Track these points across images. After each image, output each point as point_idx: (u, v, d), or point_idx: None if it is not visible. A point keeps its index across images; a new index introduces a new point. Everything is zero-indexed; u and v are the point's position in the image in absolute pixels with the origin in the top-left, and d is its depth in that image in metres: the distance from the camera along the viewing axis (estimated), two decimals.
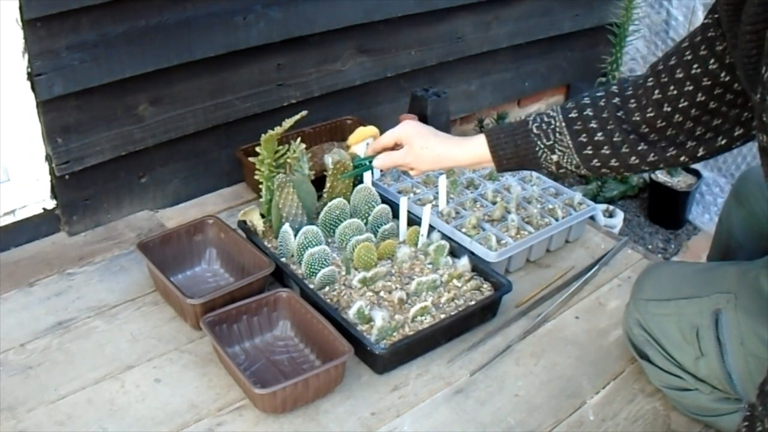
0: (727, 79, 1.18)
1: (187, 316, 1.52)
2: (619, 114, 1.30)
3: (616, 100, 1.31)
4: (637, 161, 1.30)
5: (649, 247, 2.66)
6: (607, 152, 1.31)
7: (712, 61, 1.19)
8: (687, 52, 1.23)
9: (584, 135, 1.32)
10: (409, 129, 1.51)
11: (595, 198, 2.67)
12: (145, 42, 1.72)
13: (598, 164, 1.33)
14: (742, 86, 1.12)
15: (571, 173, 1.39)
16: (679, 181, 2.73)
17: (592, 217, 1.92)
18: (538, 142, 1.36)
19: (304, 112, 1.68)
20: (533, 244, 1.74)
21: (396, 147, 1.54)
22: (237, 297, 1.49)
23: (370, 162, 1.58)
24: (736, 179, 1.56)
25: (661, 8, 2.80)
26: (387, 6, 2.11)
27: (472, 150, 1.44)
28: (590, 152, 1.33)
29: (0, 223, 1.73)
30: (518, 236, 1.72)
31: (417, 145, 1.48)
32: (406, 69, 2.29)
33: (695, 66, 1.21)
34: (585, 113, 1.33)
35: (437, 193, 1.83)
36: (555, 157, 1.36)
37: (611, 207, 2.67)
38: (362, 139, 1.79)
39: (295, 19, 1.95)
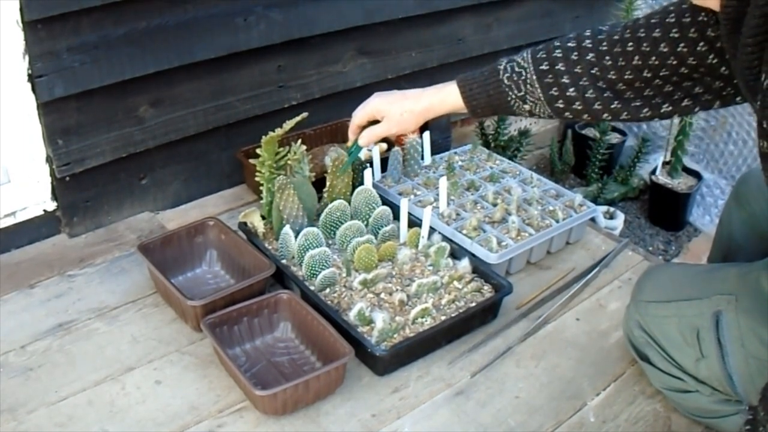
0: (715, 61, 1.20)
1: (188, 317, 1.52)
2: (593, 71, 1.31)
3: (590, 56, 1.31)
4: (608, 116, 1.32)
5: (650, 248, 2.66)
6: (579, 107, 1.33)
7: (701, 44, 1.20)
8: (674, 30, 1.23)
9: (555, 88, 1.34)
10: (378, 102, 1.54)
11: (595, 200, 2.67)
12: (146, 43, 1.72)
13: (570, 116, 1.36)
14: (743, 93, 1.12)
15: (544, 118, 1.41)
16: (680, 182, 2.73)
17: (592, 219, 1.92)
18: (510, 93, 1.38)
19: (304, 114, 1.68)
20: (534, 246, 1.74)
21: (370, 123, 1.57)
22: (238, 299, 1.49)
23: (357, 146, 1.61)
24: (736, 181, 1.56)
25: None
26: (388, 7, 2.11)
27: (448, 100, 1.47)
28: (561, 105, 1.35)
29: (0, 225, 1.74)
30: (519, 238, 1.72)
31: (395, 113, 1.51)
32: (407, 71, 2.29)
33: (682, 44, 1.22)
34: (557, 67, 1.34)
35: (438, 194, 1.83)
36: (527, 107, 1.39)
37: (612, 209, 2.67)
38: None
39: (296, 21, 1.95)
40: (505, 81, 1.38)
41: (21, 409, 1.35)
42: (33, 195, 1.76)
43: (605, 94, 1.30)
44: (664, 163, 2.78)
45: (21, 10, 1.53)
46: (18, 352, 1.48)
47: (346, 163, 1.71)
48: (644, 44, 1.26)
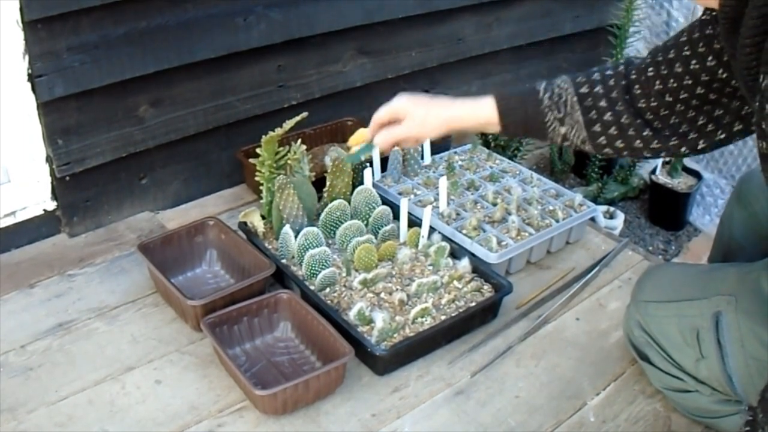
0: (725, 76, 1.20)
1: (188, 317, 1.52)
2: (626, 97, 1.31)
3: (624, 82, 1.32)
4: (641, 145, 1.31)
5: (650, 248, 2.66)
6: (614, 132, 1.32)
7: (710, 58, 1.20)
8: (685, 48, 1.24)
9: (594, 112, 1.33)
10: (405, 101, 1.47)
11: (595, 199, 2.67)
12: (146, 43, 1.72)
13: (604, 142, 1.34)
14: (743, 93, 1.12)
15: (573, 147, 1.38)
16: (680, 182, 2.73)
17: (592, 219, 1.92)
18: (549, 114, 1.36)
19: (304, 114, 1.68)
20: (534, 246, 1.74)
21: (391, 123, 1.49)
22: (237, 298, 1.49)
23: (371, 144, 1.54)
24: (737, 181, 1.56)
25: (662, 9, 2.80)
26: (388, 7, 2.11)
27: (480, 112, 1.41)
28: (598, 130, 1.33)
29: (0, 225, 1.74)
30: (519, 238, 1.72)
31: (419, 114, 1.44)
32: (407, 70, 2.29)
33: (693, 62, 1.22)
34: (596, 90, 1.33)
35: (438, 194, 1.83)
36: (563, 130, 1.36)
37: (612, 208, 2.67)
38: (363, 141, 1.79)
39: (296, 21, 1.95)
40: (546, 101, 1.36)
41: (21, 409, 1.35)
42: (33, 195, 1.76)
43: (637, 121, 1.30)
44: (664, 163, 2.78)
45: (21, 9, 1.53)
46: (18, 352, 1.48)
47: (355, 156, 1.62)
48: (662, 67, 1.26)
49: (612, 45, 2.63)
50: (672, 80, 1.25)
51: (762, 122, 0.90)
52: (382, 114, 1.49)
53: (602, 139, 1.33)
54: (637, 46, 2.84)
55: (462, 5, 2.29)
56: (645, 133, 1.30)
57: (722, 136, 1.26)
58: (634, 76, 1.31)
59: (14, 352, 1.48)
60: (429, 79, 2.34)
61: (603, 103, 1.32)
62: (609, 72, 1.35)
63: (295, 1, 1.92)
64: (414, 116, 1.45)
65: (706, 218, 2.80)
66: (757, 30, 0.91)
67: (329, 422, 1.35)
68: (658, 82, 1.27)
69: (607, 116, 1.32)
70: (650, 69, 1.28)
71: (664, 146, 1.29)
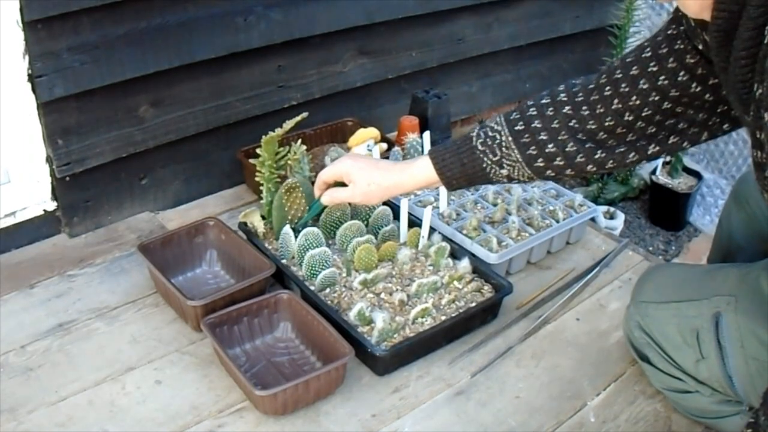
0: (698, 90, 1.18)
1: (188, 317, 1.52)
2: (571, 123, 1.27)
3: (567, 109, 1.27)
4: (593, 168, 1.28)
5: (650, 248, 2.66)
6: (561, 162, 1.29)
7: (682, 73, 1.18)
8: (651, 63, 1.21)
9: (534, 147, 1.29)
10: (349, 166, 1.46)
11: (595, 200, 2.67)
12: (146, 43, 1.72)
13: (552, 174, 1.31)
14: (732, 106, 1.11)
15: (523, 183, 1.35)
16: (680, 182, 2.73)
17: (592, 219, 1.92)
18: (485, 159, 1.33)
19: (304, 114, 1.68)
20: (534, 246, 1.74)
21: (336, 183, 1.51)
22: (238, 299, 1.49)
23: (319, 202, 1.56)
24: (735, 181, 1.56)
25: (662, 10, 2.80)
26: (388, 7, 2.11)
27: (420, 174, 1.40)
28: (542, 164, 1.30)
29: (0, 225, 1.73)
30: (519, 238, 1.72)
31: (362, 182, 1.44)
32: (407, 70, 2.29)
33: (662, 77, 1.19)
34: (533, 125, 1.29)
35: (438, 194, 1.83)
36: (504, 171, 1.33)
37: (612, 209, 2.67)
38: (363, 141, 1.80)
39: (296, 21, 1.95)
40: (479, 147, 1.32)
41: (21, 409, 1.35)
42: (33, 195, 1.76)
43: (587, 145, 1.26)
44: (665, 163, 2.78)
45: (21, 10, 1.53)
46: (18, 352, 1.48)
47: (306, 217, 1.66)
48: (622, 85, 1.23)
49: (612, 45, 2.63)
50: (635, 97, 1.21)
51: (757, 131, 0.89)
52: (326, 175, 1.50)
53: (549, 172, 1.30)
54: None
55: (462, 5, 2.29)
56: (597, 156, 1.26)
57: (685, 144, 1.25)
58: (580, 98, 1.26)
59: (14, 352, 1.48)
60: (429, 80, 2.34)
61: (543, 136, 1.28)
62: (545, 101, 1.30)
63: (295, 1, 1.92)
64: (357, 184, 1.45)
65: (706, 219, 2.80)
66: (753, 41, 0.90)
67: (329, 422, 1.35)
68: (617, 101, 1.23)
69: (549, 148, 1.28)
70: (607, 88, 1.24)
71: (620, 162, 1.27)
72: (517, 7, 2.46)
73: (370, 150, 1.94)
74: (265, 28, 1.90)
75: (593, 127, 1.25)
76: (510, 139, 1.30)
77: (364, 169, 1.44)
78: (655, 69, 1.20)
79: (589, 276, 1.74)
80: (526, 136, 1.29)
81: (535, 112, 1.30)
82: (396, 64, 2.25)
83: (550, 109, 1.29)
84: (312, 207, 1.63)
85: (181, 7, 1.74)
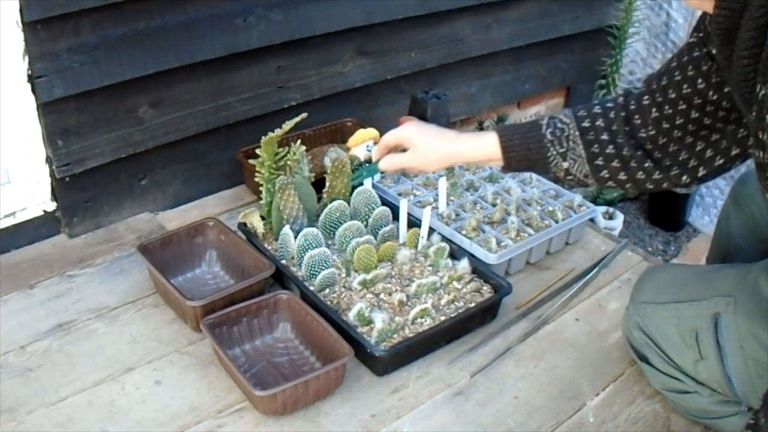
0: (715, 97, 1.20)
1: (188, 318, 1.52)
2: (626, 128, 1.31)
3: (624, 113, 1.32)
4: (643, 177, 1.31)
5: (649, 249, 2.66)
6: (617, 165, 1.32)
7: (699, 80, 1.21)
8: (676, 73, 1.24)
9: (596, 146, 1.33)
10: (411, 131, 1.48)
11: (595, 200, 2.67)
12: (146, 44, 1.72)
13: (607, 176, 1.34)
14: (737, 105, 1.12)
15: (577, 181, 1.38)
16: None
17: (592, 220, 1.92)
18: (551, 149, 1.36)
19: (304, 115, 1.68)
20: (533, 246, 1.74)
21: (397, 148, 1.52)
22: (237, 299, 1.49)
23: (376, 165, 1.57)
24: (734, 182, 1.56)
25: (661, 10, 2.81)
26: (387, 8, 2.11)
27: (483, 148, 1.42)
28: (601, 163, 1.33)
29: (0, 225, 1.74)
30: (518, 238, 1.72)
31: (423, 147, 1.46)
32: (407, 71, 2.29)
33: (685, 86, 1.23)
34: (597, 123, 1.33)
35: (437, 195, 1.83)
36: (566, 165, 1.36)
37: (611, 209, 2.67)
38: (362, 142, 1.79)
39: (296, 22, 1.95)
40: (548, 136, 1.36)
41: (21, 410, 1.35)
42: (33, 195, 1.76)
43: (638, 153, 1.30)
44: None
45: (21, 10, 1.53)
46: (18, 353, 1.48)
47: (361, 176, 1.70)
48: (657, 95, 1.27)
49: (611, 46, 2.64)
50: (667, 107, 1.25)
51: (759, 132, 0.90)
52: (389, 139, 1.51)
53: (605, 173, 1.34)
54: (637, 47, 2.85)
55: (461, 6, 2.30)
56: (646, 165, 1.30)
57: (721, 161, 1.27)
58: (633, 107, 1.31)
59: (14, 352, 1.48)
60: (428, 80, 2.34)
61: (605, 137, 1.32)
62: (609, 104, 1.35)
63: (294, 1, 1.92)
64: (418, 148, 1.46)
65: (705, 219, 2.81)
66: (754, 41, 0.91)
67: (329, 423, 1.35)
68: (654, 110, 1.27)
69: (609, 149, 1.31)
70: (645, 97, 1.29)
71: (666, 176, 1.30)
72: (516, 8, 2.46)
73: (370, 151, 1.94)
74: (265, 29, 1.90)
75: (642, 135, 1.30)
76: (577, 133, 1.34)
77: (428, 136, 1.47)
78: (679, 78, 1.24)
79: (588, 276, 1.74)
80: (591, 133, 1.33)
81: (599, 111, 1.34)
82: (395, 64, 2.25)
83: (612, 112, 1.33)
84: (370, 169, 1.64)
85: (180, 7, 1.74)
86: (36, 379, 1.42)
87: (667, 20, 2.79)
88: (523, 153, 1.38)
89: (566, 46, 2.71)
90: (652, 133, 1.28)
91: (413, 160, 1.48)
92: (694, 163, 1.28)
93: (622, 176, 1.33)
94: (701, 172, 1.28)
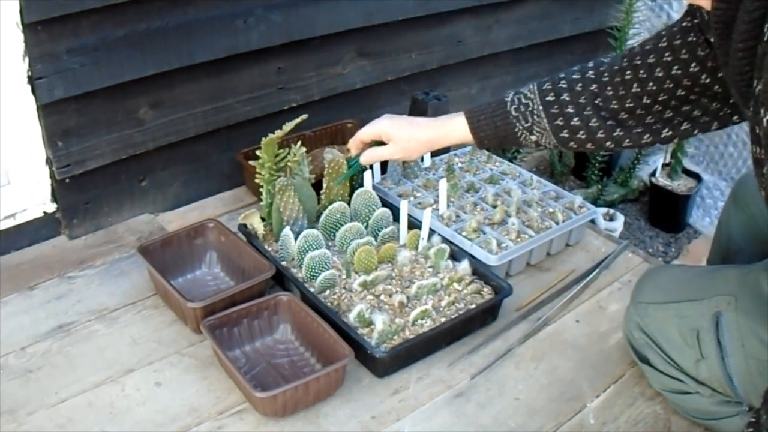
0: (708, 81, 1.23)
1: (188, 319, 1.52)
2: (596, 101, 1.35)
3: (593, 87, 1.35)
4: (611, 145, 1.36)
5: (650, 250, 2.66)
6: (583, 136, 1.37)
7: (693, 64, 1.23)
8: (666, 53, 1.27)
9: (561, 119, 1.37)
10: (387, 125, 1.55)
11: (595, 201, 2.67)
12: (146, 45, 1.72)
13: (575, 146, 1.40)
14: (732, 95, 1.13)
15: (549, 149, 1.44)
16: (680, 184, 2.73)
17: (592, 221, 1.92)
18: (517, 124, 1.42)
19: (304, 116, 1.69)
20: (534, 248, 1.74)
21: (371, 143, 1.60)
22: (237, 300, 1.49)
23: (356, 160, 1.63)
24: (734, 183, 1.56)
25: (662, 11, 2.81)
26: (387, 9, 2.11)
27: (455, 132, 1.49)
28: (566, 135, 1.38)
29: (0, 227, 1.73)
30: (519, 240, 1.72)
31: (402, 139, 1.53)
32: (407, 72, 2.29)
33: (675, 67, 1.26)
34: (562, 97, 1.37)
35: (437, 196, 1.83)
36: (534, 138, 1.42)
37: (612, 210, 2.67)
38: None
39: (296, 23, 1.95)
40: (513, 112, 1.42)
41: (21, 411, 1.35)
42: (33, 197, 1.76)
43: (608, 123, 1.34)
44: (664, 165, 2.78)
45: (21, 11, 1.53)
46: (18, 354, 1.48)
47: (345, 176, 1.72)
48: (641, 71, 1.30)
49: (612, 47, 2.63)
50: (651, 83, 1.28)
51: (756, 127, 0.90)
52: (364, 134, 1.59)
53: (572, 143, 1.39)
54: None
55: (462, 7, 2.30)
56: (615, 133, 1.35)
57: (696, 132, 1.31)
58: (606, 78, 1.34)
59: (14, 354, 1.48)
60: (429, 81, 2.34)
61: (570, 109, 1.37)
62: (575, 76, 1.38)
63: (294, 3, 1.92)
64: (397, 140, 1.54)
65: (706, 220, 2.81)
66: (749, 35, 0.91)
67: (329, 424, 1.35)
68: (636, 85, 1.30)
69: (574, 121, 1.36)
70: (627, 72, 1.31)
71: (636, 142, 1.35)
72: (516, 9, 2.46)
73: None
74: (265, 30, 1.90)
75: (615, 107, 1.33)
76: (540, 108, 1.39)
77: (404, 128, 1.55)
78: (669, 59, 1.26)
79: (588, 278, 1.74)
80: (555, 107, 1.38)
81: (565, 86, 1.38)
82: (396, 65, 2.25)
83: (579, 85, 1.37)
84: (351, 166, 1.68)
85: (180, 9, 1.74)
86: (36, 381, 1.42)
87: (667, 21, 2.79)
88: (492, 131, 1.45)
89: (567, 47, 2.71)
90: (630, 105, 1.32)
91: (394, 153, 1.56)
92: (667, 132, 1.32)
93: (589, 145, 1.38)
94: (667, 137, 1.33)
